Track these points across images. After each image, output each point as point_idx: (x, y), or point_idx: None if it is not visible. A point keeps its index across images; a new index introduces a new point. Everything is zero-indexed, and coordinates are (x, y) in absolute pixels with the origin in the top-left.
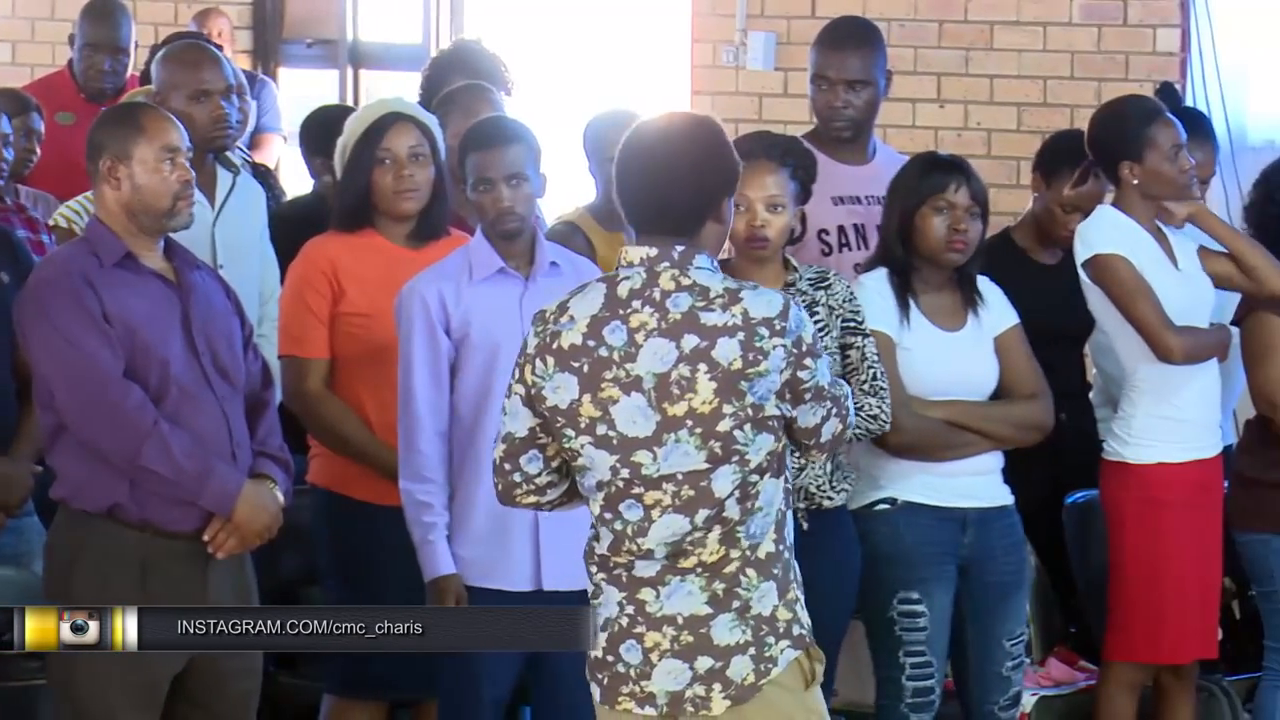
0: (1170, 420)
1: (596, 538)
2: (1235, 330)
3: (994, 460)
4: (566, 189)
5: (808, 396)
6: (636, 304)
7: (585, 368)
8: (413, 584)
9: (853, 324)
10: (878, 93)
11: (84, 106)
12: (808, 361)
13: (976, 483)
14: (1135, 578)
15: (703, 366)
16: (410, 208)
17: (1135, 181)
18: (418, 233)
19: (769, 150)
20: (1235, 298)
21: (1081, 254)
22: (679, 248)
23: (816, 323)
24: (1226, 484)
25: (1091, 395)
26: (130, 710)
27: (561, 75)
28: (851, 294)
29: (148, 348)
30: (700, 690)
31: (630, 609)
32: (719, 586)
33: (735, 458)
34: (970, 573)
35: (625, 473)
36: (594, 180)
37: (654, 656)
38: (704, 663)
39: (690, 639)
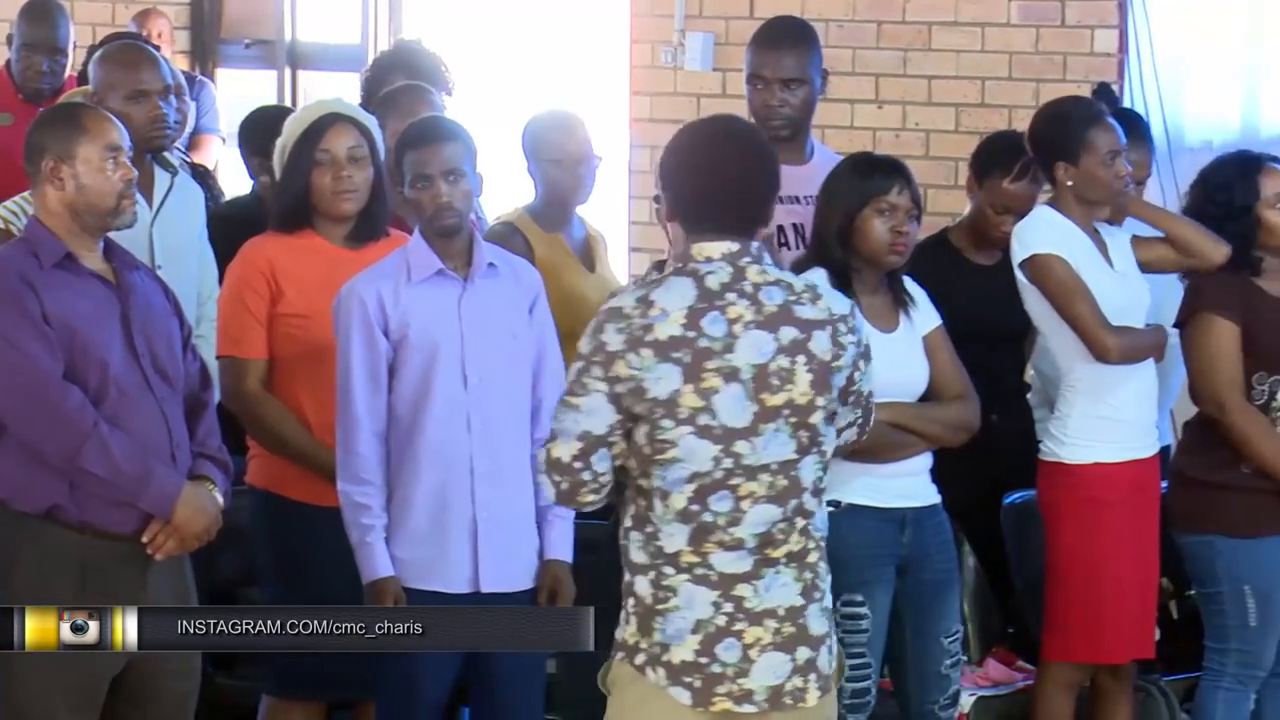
0: (1106, 420)
1: (656, 536)
2: (1173, 331)
3: (926, 460)
4: (506, 190)
5: (851, 399)
6: (731, 296)
7: (687, 358)
8: (352, 585)
9: None
10: (813, 91)
11: (21, 107)
12: (861, 364)
13: (912, 483)
14: (1072, 578)
15: (801, 359)
16: (349, 209)
17: (1069, 183)
18: (356, 233)
19: None
20: (1175, 300)
21: (1018, 255)
22: (755, 243)
23: None
24: (1164, 484)
25: (1029, 396)
26: (69, 711)
27: (500, 76)
28: None
29: (87, 349)
30: (799, 682)
31: (728, 606)
32: (807, 576)
33: (817, 448)
34: (907, 572)
35: (727, 463)
36: (533, 181)
37: (753, 653)
38: (803, 653)
39: (792, 629)
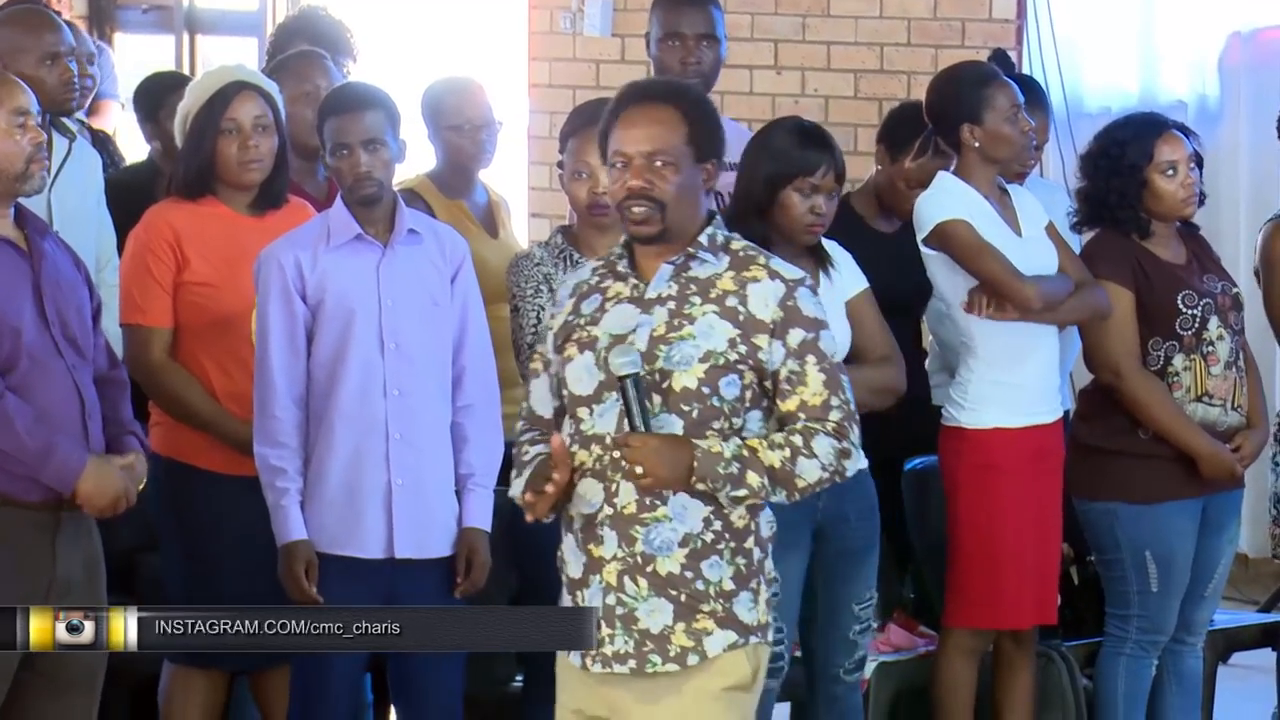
0: (1008, 386)
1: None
2: None
3: None
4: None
5: None
6: None
7: None
8: (253, 553)
9: None
10: (720, 53)
11: None
12: None
13: None
14: (972, 543)
15: None
16: (255, 178)
17: (976, 144)
18: (259, 201)
19: None
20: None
21: (923, 228)
22: None
23: None
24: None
25: (926, 363)
26: None
27: (398, 42)
28: None
29: (0, 317)
30: None
31: None
32: None
33: None
34: (823, 538)
35: None
36: (433, 147)
37: None
38: None
39: None
